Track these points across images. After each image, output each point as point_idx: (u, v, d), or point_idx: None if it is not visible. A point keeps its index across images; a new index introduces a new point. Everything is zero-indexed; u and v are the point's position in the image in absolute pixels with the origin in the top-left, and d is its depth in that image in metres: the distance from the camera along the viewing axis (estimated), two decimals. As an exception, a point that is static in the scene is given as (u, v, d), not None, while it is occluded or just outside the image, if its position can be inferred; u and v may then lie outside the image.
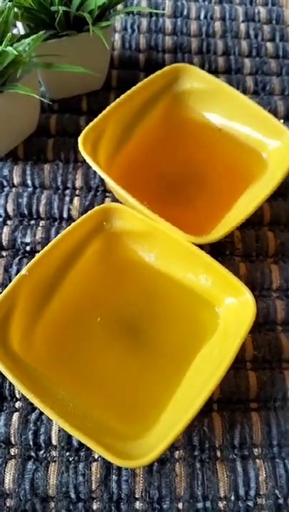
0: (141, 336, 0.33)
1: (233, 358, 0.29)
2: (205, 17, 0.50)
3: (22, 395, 0.32)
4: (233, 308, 0.32)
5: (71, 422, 0.27)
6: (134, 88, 0.39)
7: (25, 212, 0.39)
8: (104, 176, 0.35)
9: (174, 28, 0.49)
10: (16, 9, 0.36)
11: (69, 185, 0.40)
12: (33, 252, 0.37)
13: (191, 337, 0.33)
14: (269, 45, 0.48)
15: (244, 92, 0.46)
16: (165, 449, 0.26)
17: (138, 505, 0.30)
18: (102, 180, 0.40)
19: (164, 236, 0.33)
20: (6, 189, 0.40)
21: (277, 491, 0.30)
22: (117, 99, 0.38)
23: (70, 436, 0.31)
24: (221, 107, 0.40)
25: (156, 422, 0.29)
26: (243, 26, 0.49)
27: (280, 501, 0.30)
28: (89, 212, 0.34)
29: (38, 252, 0.37)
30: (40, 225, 0.39)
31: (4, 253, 0.37)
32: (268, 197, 0.35)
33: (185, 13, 0.50)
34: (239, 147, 0.40)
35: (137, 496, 0.30)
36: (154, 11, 0.46)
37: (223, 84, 0.40)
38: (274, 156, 0.38)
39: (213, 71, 0.47)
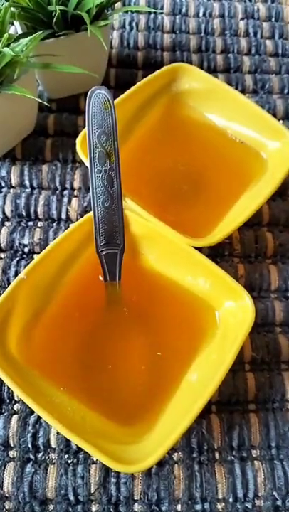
0: (139, 339, 0.33)
1: (231, 363, 0.29)
2: (204, 14, 0.49)
3: (21, 397, 0.32)
4: (232, 311, 0.32)
5: (70, 427, 0.27)
6: (132, 88, 0.38)
7: (23, 213, 0.39)
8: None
9: (172, 26, 0.48)
10: (12, 8, 0.35)
11: (67, 185, 0.40)
12: (31, 254, 0.37)
13: (190, 340, 0.32)
14: (268, 42, 0.48)
15: (243, 90, 0.45)
16: (163, 454, 0.26)
17: (137, 507, 0.30)
18: (100, 180, 0.40)
19: (163, 239, 0.33)
20: (4, 190, 0.40)
21: (275, 493, 0.31)
22: (116, 100, 0.37)
23: (68, 439, 0.31)
24: (220, 107, 0.40)
25: (155, 425, 0.29)
26: (242, 24, 0.49)
27: (278, 503, 0.30)
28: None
29: (37, 253, 0.37)
30: (39, 226, 0.38)
31: (2, 255, 0.37)
32: (267, 199, 0.35)
33: (184, 10, 0.49)
34: (238, 147, 0.40)
35: (135, 498, 0.30)
36: (153, 10, 0.45)
37: (222, 84, 0.39)
38: (274, 157, 0.38)
39: (212, 69, 0.46)
